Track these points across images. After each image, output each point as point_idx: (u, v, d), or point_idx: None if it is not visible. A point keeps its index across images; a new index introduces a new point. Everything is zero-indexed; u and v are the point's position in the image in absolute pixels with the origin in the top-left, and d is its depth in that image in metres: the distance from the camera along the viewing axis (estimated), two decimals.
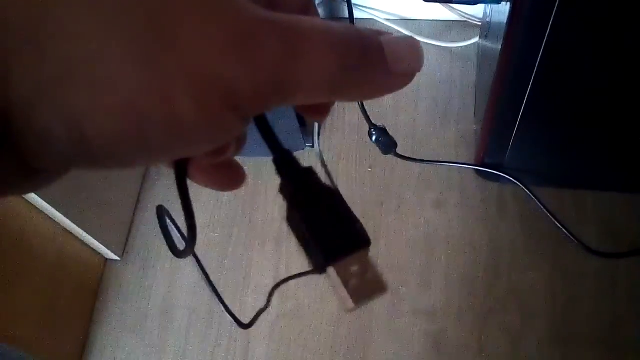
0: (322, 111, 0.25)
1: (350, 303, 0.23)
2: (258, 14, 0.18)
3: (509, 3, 0.77)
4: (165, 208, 0.31)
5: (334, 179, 1.23)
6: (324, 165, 0.88)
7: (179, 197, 0.23)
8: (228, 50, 0.17)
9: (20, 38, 0.15)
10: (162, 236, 0.34)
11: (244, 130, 0.21)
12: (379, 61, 0.20)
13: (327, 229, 0.24)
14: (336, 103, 0.24)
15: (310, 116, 0.26)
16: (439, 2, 0.83)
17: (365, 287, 0.23)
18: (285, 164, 0.25)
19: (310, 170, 0.25)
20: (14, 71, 0.16)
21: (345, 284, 0.23)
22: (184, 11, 0.17)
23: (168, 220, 0.33)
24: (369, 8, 1.39)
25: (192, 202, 0.23)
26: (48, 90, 0.16)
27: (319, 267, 0.23)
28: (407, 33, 1.35)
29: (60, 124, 0.16)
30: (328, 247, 0.23)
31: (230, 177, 0.27)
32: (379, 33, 0.21)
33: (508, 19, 0.77)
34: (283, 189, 0.25)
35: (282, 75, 0.18)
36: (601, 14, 0.73)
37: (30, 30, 0.15)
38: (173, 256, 0.30)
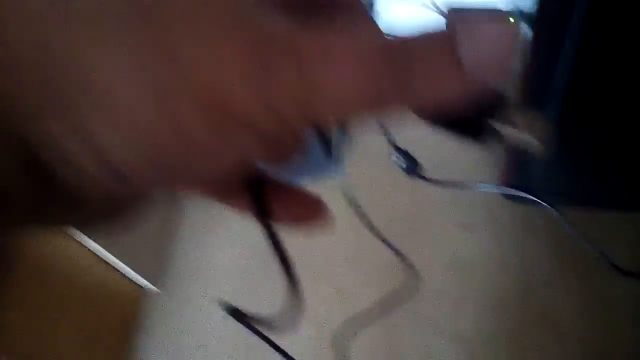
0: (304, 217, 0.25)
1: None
2: (275, 31, 0.17)
3: (531, 27, 0.79)
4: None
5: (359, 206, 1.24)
6: (349, 196, 0.90)
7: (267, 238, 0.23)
8: (240, 72, 0.16)
9: (30, 65, 0.16)
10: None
11: (263, 151, 0.19)
12: (405, 78, 0.18)
13: None
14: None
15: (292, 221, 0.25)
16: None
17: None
18: None
19: None
20: (29, 98, 0.16)
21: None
22: (195, 31, 0.16)
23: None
24: (389, 35, 1.41)
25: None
26: (68, 121, 0.16)
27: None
28: None
29: (89, 156, 0.17)
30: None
31: (310, 208, 0.25)
32: (416, 48, 0.18)
33: (531, 42, 0.79)
34: None
35: (293, 94, 0.17)
36: (623, 34, 0.74)
37: (41, 60, 0.16)
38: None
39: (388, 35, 0.19)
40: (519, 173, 1.10)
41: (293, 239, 0.25)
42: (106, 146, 0.17)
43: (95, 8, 0.16)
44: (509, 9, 0.84)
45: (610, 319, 1.06)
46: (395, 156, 1.08)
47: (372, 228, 0.79)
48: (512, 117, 0.20)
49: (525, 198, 1.13)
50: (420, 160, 1.10)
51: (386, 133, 1.04)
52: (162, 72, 0.16)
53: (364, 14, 0.22)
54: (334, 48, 0.17)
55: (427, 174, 1.16)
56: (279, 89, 0.17)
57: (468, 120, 0.20)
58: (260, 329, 0.29)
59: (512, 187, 1.14)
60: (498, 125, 0.20)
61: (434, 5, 1.28)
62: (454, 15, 0.84)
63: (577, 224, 1.12)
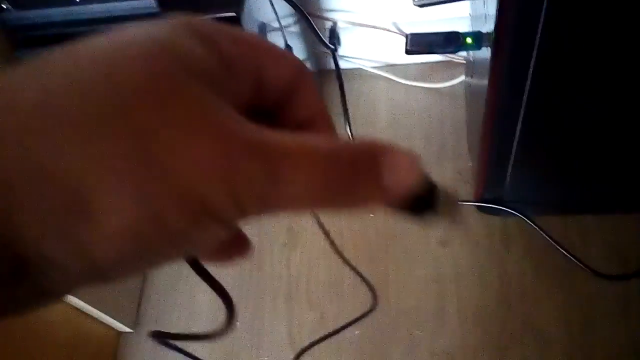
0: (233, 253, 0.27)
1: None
2: (246, 136, 0.19)
3: (489, 48, 0.79)
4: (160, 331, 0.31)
5: (339, 229, 1.24)
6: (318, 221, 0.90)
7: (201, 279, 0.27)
8: (212, 174, 0.18)
9: (21, 178, 0.17)
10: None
11: (230, 232, 0.22)
12: (370, 180, 0.21)
13: None
14: None
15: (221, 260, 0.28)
16: (421, 53, 0.85)
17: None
18: None
19: None
20: (18, 209, 0.17)
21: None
22: (171, 138, 0.18)
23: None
24: (355, 58, 1.42)
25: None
26: (54, 227, 0.17)
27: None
28: (393, 78, 1.39)
29: (72, 257, 0.18)
30: None
31: (237, 250, 0.28)
32: (380, 148, 0.21)
33: (490, 62, 0.80)
34: None
35: (263, 196, 0.19)
36: (583, 48, 0.75)
37: (30, 170, 0.17)
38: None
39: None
40: (492, 187, 1.10)
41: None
42: (91, 249, 0.18)
43: (77, 113, 0.17)
44: (467, 32, 0.85)
45: (591, 321, 1.07)
46: None
47: (338, 252, 0.80)
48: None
49: (500, 210, 1.14)
50: None
51: None
52: (144, 177, 0.18)
53: (324, 122, 0.25)
54: (295, 152, 0.20)
55: None
56: (247, 190, 0.19)
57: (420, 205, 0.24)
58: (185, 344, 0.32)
59: (485, 201, 1.16)
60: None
61: (397, 28, 1.29)
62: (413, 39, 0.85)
63: (551, 232, 1.14)
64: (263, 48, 0.23)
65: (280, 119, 0.25)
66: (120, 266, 0.19)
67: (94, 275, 0.19)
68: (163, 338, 0.31)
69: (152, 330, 0.31)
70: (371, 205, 0.22)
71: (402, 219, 0.25)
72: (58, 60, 0.19)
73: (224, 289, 0.27)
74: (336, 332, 0.72)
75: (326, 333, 0.75)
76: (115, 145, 0.17)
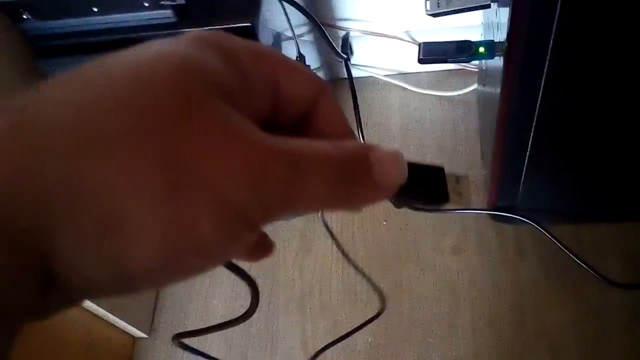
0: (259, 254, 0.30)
1: None
2: (268, 144, 0.20)
3: (501, 57, 0.80)
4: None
5: (351, 237, 1.25)
6: (327, 228, 0.90)
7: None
8: (242, 181, 0.19)
9: (56, 198, 0.17)
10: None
11: (255, 236, 0.23)
12: (366, 178, 0.23)
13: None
14: None
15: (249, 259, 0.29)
16: (433, 62, 0.86)
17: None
18: None
19: None
20: (55, 228, 0.17)
21: None
22: (200, 150, 0.19)
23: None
24: (367, 66, 1.43)
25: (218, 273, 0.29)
26: (88, 244, 0.18)
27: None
28: (406, 86, 1.39)
29: (103, 271, 0.18)
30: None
31: (262, 251, 0.30)
32: (369, 149, 0.23)
33: (503, 71, 0.80)
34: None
35: (287, 197, 0.21)
36: (594, 57, 0.76)
37: (66, 192, 0.17)
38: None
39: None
40: (505, 196, 1.11)
41: None
42: (123, 264, 0.19)
43: (112, 131, 0.18)
44: (479, 41, 0.85)
45: (606, 331, 1.07)
46: None
47: (346, 257, 0.81)
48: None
49: (513, 218, 1.14)
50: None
51: None
52: (178, 191, 0.18)
53: (346, 135, 0.27)
54: (314, 157, 0.22)
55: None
56: (273, 194, 0.20)
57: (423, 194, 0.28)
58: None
59: (498, 209, 1.16)
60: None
61: (409, 37, 1.30)
62: (425, 48, 0.85)
63: (565, 240, 1.13)
64: (280, 62, 0.24)
65: (304, 134, 0.26)
66: (150, 279, 0.20)
67: (122, 287, 0.20)
68: (184, 338, 0.34)
69: (174, 334, 0.33)
70: (369, 200, 0.24)
71: (407, 208, 0.28)
72: (91, 76, 0.20)
73: (247, 274, 0.29)
74: (348, 334, 0.72)
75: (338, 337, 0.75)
76: (149, 161, 0.18)
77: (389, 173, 0.24)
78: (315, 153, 0.22)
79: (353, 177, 0.23)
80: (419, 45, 0.87)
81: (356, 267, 0.77)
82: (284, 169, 0.20)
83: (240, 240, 0.21)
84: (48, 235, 0.17)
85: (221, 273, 1.21)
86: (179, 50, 0.21)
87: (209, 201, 0.19)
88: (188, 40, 0.21)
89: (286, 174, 0.20)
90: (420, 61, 0.86)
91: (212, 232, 0.19)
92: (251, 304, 0.32)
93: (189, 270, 0.21)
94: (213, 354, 1.21)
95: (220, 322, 0.33)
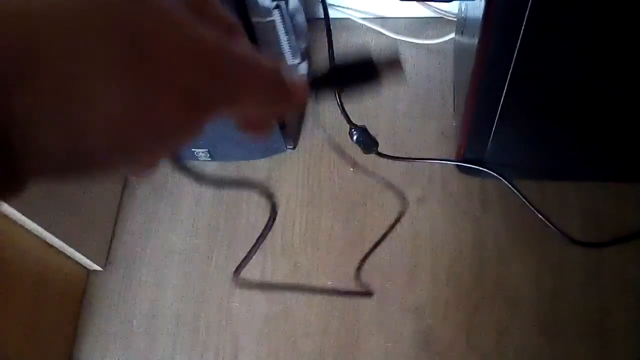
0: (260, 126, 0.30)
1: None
2: (220, 43, 0.22)
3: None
4: None
5: (317, 181, 1.23)
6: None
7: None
8: (198, 65, 0.21)
9: (18, 58, 0.17)
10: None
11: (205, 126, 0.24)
12: (283, 76, 0.26)
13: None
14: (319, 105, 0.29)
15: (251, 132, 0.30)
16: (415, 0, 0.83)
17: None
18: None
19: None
20: (16, 84, 0.17)
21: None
22: (156, 37, 0.20)
23: None
24: (345, 7, 1.39)
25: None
26: (46, 107, 0.18)
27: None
28: (383, 31, 1.36)
29: (58, 141, 0.19)
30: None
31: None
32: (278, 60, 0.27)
33: (483, 15, 0.78)
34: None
35: (230, 88, 0.23)
36: (575, 10, 0.74)
37: (27, 52, 0.17)
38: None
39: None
40: (475, 148, 1.10)
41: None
42: (81, 130, 0.19)
43: (78, 20, 0.19)
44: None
45: (564, 288, 1.08)
46: (353, 133, 1.07)
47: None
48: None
49: (480, 171, 1.14)
50: (377, 137, 1.09)
51: (344, 110, 1.02)
52: (138, 66, 0.19)
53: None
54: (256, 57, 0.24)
55: (385, 151, 1.15)
56: (223, 79, 0.22)
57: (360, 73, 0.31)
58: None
59: (467, 161, 1.15)
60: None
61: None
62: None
63: (530, 196, 1.13)
64: None
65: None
66: (104, 157, 0.20)
67: (75, 162, 0.20)
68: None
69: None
70: (294, 96, 0.27)
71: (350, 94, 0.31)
72: None
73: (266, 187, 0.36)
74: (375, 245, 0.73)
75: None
76: (112, 41, 0.19)
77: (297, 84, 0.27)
78: (258, 58, 0.24)
79: (278, 79, 0.26)
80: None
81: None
82: (229, 64, 0.22)
83: (197, 124, 0.22)
84: (8, 88, 0.17)
85: (181, 209, 1.20)
86: None
87: (170, 81, 0.20)
88: None
89: (231, 68, 0.22)
90: None
91: (171, 111, 0.20)
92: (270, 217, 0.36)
93: (141, 152, 0.22)
94: (169, 289, 1.20)
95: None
